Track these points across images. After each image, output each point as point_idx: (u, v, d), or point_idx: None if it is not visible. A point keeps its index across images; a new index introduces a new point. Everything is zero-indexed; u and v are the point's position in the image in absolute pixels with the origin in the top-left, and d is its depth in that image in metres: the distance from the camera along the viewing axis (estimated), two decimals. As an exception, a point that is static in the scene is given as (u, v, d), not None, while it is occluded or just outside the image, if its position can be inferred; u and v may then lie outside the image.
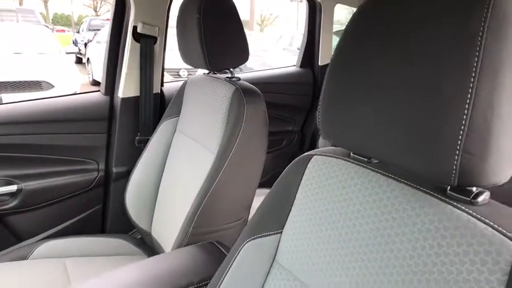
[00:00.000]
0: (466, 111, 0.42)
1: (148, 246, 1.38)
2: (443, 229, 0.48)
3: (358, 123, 0.52)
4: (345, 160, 0.62)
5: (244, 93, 1.07)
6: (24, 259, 1.22)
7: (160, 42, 1.50)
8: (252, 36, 13.00)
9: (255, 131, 1.07)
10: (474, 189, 0.48)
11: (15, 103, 1.46)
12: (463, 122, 0.42)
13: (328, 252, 0.59)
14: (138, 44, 1.44)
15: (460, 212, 0.47)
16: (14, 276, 1.13)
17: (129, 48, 1.44)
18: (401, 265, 0.50)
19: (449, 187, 0.50)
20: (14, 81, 5.06)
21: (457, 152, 0.43)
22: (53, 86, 5.13)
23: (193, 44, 1.10)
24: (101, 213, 1.57)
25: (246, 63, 1.18)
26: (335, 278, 0.57)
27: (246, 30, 1.16)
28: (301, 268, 0.63)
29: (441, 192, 0.50)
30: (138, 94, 1.50)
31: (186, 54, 1.20)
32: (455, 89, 0.42)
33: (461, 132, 0.42)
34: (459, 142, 0.42)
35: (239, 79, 1.18)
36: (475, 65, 0.41)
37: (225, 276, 0.70)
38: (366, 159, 0.60)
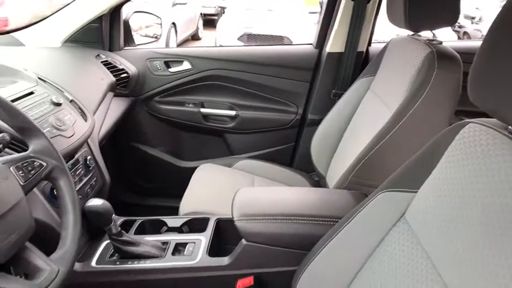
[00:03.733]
0: None
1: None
2: None
3: None
4: (502, 133, 0.57)
5: (438, 57, 1.02)
6: (229, 167, 1.58)
7: (374, 1, 1.52)
8: None
9: (439, 98, 1.02)
10: None
11: (249, 46, 1.82)
12: None
13: (459, 225, 0.58)
14: (352, 3, 1.52)
15: None
16: (221, 174, 1.51)
17: (344, 5, 1.54)
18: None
19: None
20: (263, 34, 5.94)
21: None
22: (292, 42, 5.77)
23: (397, 1, 1.10)
24: (291, 150, 1.82)
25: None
26: (457, 245, 0.55)
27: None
28: (426, 232, 0.63)
29: None
30: (343, 50, 1.60)
31: (390, 12, 1.20)
32: None
33: None
34: None
35: (440, 43, 1.11)
36: None
37: (352, 219, 0.76)
38: None
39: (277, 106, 1.76)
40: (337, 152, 1.43)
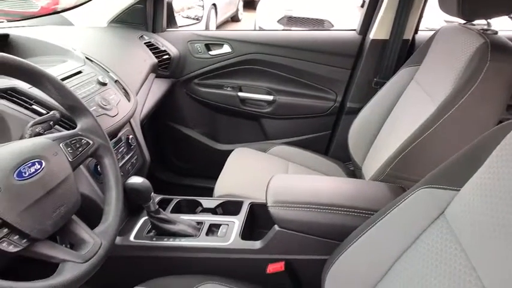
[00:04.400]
0: None
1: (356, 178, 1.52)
2: None
3: None
4: None
5: (492, 49, 0.96)
6: (264, 152, 1.59)
7: (424, -14, 1.45)
8: None
9: (490, 92, 0.97)
10: None
11: (290, 31, 1.79)
12: None
13: (504, 229, 0.55)
14: (400, -13, 1.45)
15: None
16: (255, 158, 1.52)
17: (391, -10, 1.47)
18: None
19: None
20: (303, 17, 5.82)
21: None
22: (332, 26, 5.62)
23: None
24: (327, 138, 1.80)
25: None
26: (500, 248, 0.53)
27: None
28: (467, 232, 0.61)
29: None
30: (388, 38, 1.54)
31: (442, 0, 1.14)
32: None
33: None
34: None
35: (496, 32, 1.05)
36: None
37: (389, 213, 0.75)
38: None
39: (316, 93, 1.74)
40: (375, 142, 1.40)
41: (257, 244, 0.99)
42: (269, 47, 1.71)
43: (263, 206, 1.11)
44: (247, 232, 1.09)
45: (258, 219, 1.16)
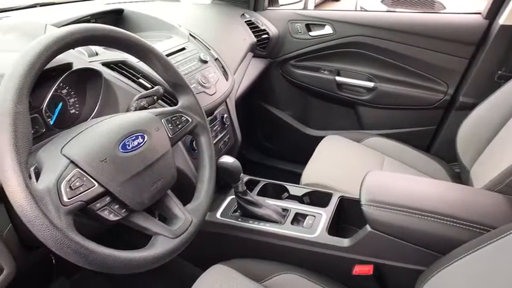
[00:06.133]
0: None
1: (461, 182, 1.35)
2: None
3: None
4: None
5: None
6: (357, 142, 1.49)
7: None
8: None
9: None
10: None
11: (401, 13, 1.63)
12: None
13: None
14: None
15: None
16: (348, 148, 1.43)
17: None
18: None
19: None
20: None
21: None
22: (444, 8, 5.08)
23: None
24: (431, 133, 1.63)
25: None
26: None
27: None
28: None
29: None
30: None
31: None
32: None
33: None
34: None
35: None
36: None
37: (501, 238, 0.63)
38: None
39: (423, 82, 1.57)
40: (491, 145, 1.22)
41: (345, 242, 0.93)
42: (375, 29, 1.58)
43: (354, 202, 1.04)
44: (333, 226, 1.04)
45: (346, 215, 1.10)
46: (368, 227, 0.90)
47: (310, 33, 1.69)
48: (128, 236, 0.86)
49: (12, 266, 0.67)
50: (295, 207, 1.06)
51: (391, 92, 1.62)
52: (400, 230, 0.86)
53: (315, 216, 1.03)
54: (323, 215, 1.02)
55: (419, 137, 1.65)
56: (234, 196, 1.06)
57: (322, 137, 1.52)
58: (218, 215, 1.05)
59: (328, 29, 1.66)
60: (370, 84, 1.65)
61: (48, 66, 0.60)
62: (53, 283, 1.14)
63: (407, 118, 1.65)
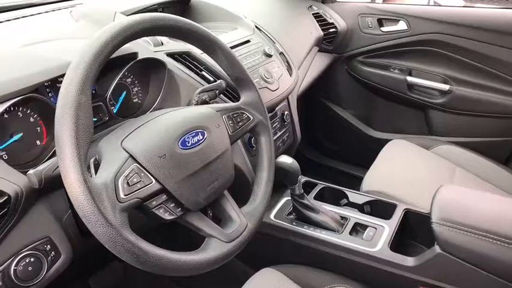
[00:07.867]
0: None
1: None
2: None
3: None
4: None
5: None
6: (426, 149, 1.37)
7: None
8: None
9: None
10: None
11: (480, 8, 1.47)
12: None
13: None
14: None
15: None
16: (416, 155, 1.32)
17: None
18: None
19: None
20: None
21: None
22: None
23: None
24: (512, 145, 1.46)
25: None
26: None
27: None
28: None
29: None
30: None
31: None
32: None
33: None
34: None
35: None
36: None
37: None
38: None
39: (507, 87, 1.40)
40: None
41: (409, 261, 0.85)
42: (454, 26, 1.43)
43: (422, 217, 0.94)
44: (396, 241, 0.95)
45: (412, 229, 1.00)
46: (437, 248, 0.81)
47: (382, 28, 1.58)
48: (171, 231, 0.85)
49: (69, 252, 0.68)
50: (354, 216, 0.99)
51: (469, 96, 1.47)
52: (477, 256, 0.76)
53: (376, 228, 0.95)
54: (385, 228, 0.94)
55: (497, 148, 1.48)
56: (289, 197, 1.02)
57: (386, 140, 1.42)
58: (272, 216, 1.01)
59: (402, 25, 1.54)
60: (445, 87, 1.51)
61: (114, 55, 0.59)
62: (107, 266, 1.18)
63: (485, 126, 1.49)
